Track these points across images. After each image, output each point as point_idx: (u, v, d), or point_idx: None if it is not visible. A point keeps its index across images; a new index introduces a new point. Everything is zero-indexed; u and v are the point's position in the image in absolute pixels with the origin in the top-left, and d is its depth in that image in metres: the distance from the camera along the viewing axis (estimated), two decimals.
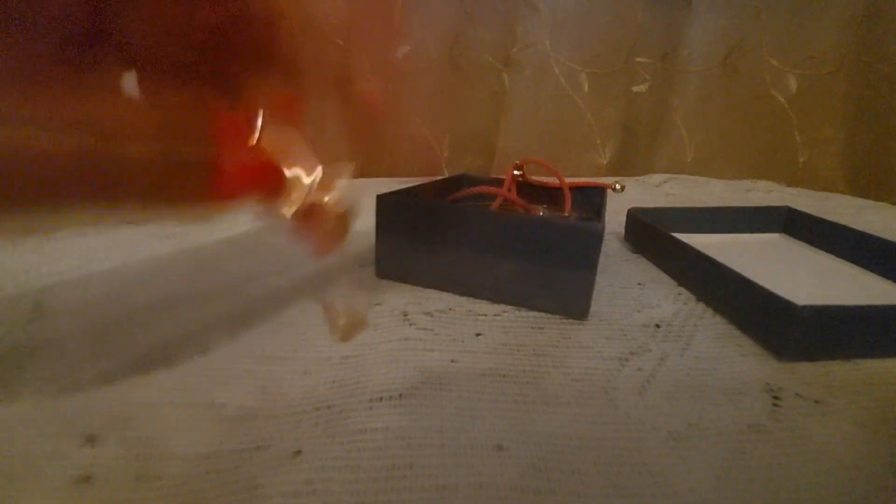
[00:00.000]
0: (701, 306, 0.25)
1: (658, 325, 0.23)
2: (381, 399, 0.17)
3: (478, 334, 0.21)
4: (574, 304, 0.23)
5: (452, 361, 0.19)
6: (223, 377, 0.17)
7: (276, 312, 0.23)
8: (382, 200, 0.25)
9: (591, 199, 0.35)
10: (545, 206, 0.36)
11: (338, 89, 0.15)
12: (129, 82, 0.12)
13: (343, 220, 0.17)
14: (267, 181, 0.15)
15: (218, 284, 0.26)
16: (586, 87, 0.64)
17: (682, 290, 0.27)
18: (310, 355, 0.19)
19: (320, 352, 0.19)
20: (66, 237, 0.31)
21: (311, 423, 0.15)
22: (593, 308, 0.23)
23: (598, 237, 0.22)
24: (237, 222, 0.36)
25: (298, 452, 0.14)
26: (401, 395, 0.17)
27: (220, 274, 0.27)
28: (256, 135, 0.14)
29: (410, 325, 0.22)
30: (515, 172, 0.36)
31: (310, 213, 0.15)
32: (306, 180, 0.15)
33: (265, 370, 0.18)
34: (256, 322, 0.22)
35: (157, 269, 0.27)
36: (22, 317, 0.21)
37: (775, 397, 0.18)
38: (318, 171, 0.15)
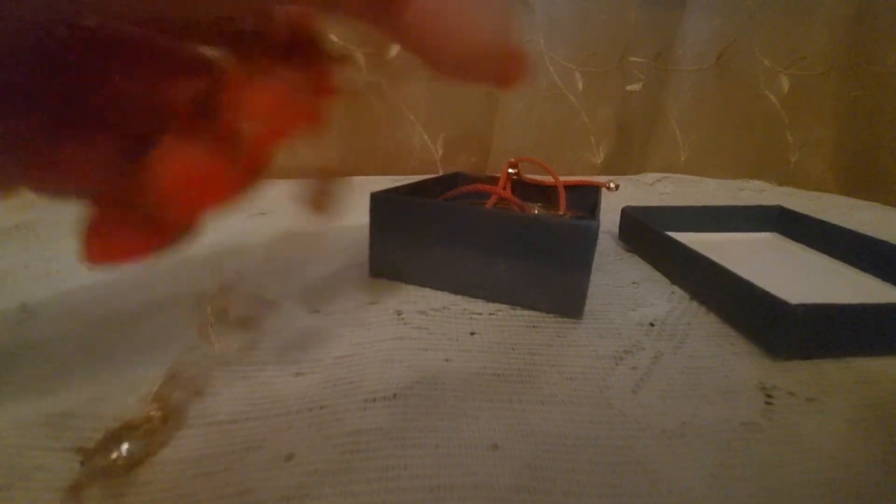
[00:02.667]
0: (695, 305, 0.25)
1: (652, 324, 0.23)
2: (374, 399, 0.16)
3: (472, 333, 0.21)
4: (568, 303, 0.23)
5: (447, 360, 0.19)
6: (214, 378, 0.17)
7: (268, 312, 0.22)
8: (376, 199, 0.25)
9: (586, 198, 0.35)
10: (540, 204, 0.36)
11: None
12: None
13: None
14: None
15: (209, 285, 0.25)
16: (581, 86, 0.64)
17: (675, 288, 0.27)
18: (302, 356, 0.19)
19: (313, 352, 0.19)
20: (55, 236, 0.31)
21: (305, 423, 0.15)
22: (588, 307, 0.23)
23: (593, 236, 0.22)
24: (230, 224, 0.36)
25: (291, 454, 0.14)
26: (395, 395, 0.17)
27: (212, 275, 0.27)
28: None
29: (405, 324, 0.22)
30: (510, 171, 0.36)
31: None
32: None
33: (257, 371, 0.18)
34: (248, 322, 0.21)
35: (148, 270, 0.27)
36: (8, 319, 0.21)
37: (768, 395, 0.18)
38: None
